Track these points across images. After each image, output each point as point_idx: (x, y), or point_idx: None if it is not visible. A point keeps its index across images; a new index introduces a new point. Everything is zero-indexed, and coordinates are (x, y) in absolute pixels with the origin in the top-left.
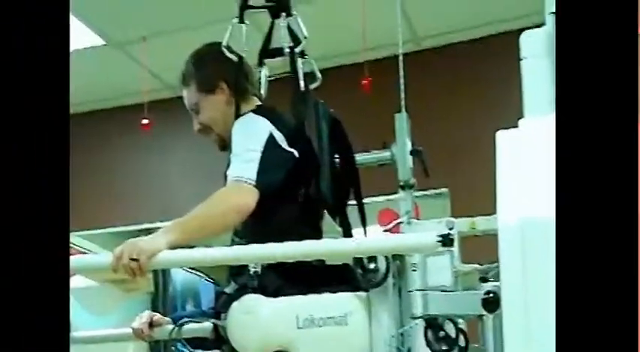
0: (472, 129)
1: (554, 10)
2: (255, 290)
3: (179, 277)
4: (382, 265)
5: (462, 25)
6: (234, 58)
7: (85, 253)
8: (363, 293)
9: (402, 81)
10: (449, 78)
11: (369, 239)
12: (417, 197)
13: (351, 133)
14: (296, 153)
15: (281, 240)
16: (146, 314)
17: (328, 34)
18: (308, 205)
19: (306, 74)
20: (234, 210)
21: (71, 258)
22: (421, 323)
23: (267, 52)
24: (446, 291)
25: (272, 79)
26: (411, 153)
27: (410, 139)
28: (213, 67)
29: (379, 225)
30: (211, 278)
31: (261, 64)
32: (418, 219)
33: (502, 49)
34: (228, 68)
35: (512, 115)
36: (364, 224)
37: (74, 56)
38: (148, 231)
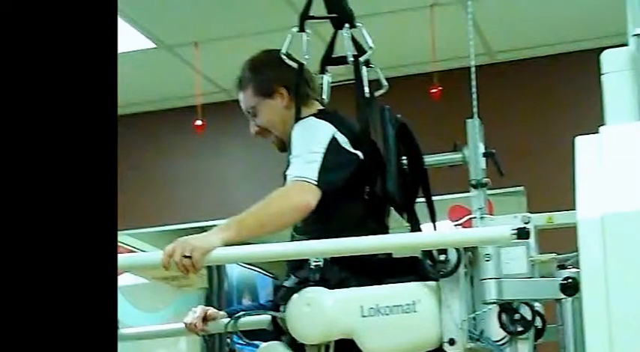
0: (547, 135)
1: (637, 33)
2: (317, 283)
3: (235, 272)
4: (453, 256)
5: (536, 42)
6: (294, 65)
7: (134, 251)
8: (432, 283)
9: (473, 89)
10: (523, 89)
11: (443, 232)
12: (490, 195)
13: (421, 138)
14: (360, 155)
15: (344, 236)
16: (199, 309)
17: (398, 46)
18: (373, 202)
19: (371, 81)
20: (294, 209)
21: (121, 256)
22: (494, 307)
23: (330, 60)
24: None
25: (337, 85)
26: (484, 155)
27: (482, 143)
28: (271, 72)
29: (450, 220)
30: (270, 273)
31: (323, 71)
32: (491, 215)
33: (576, 65)
34: (288, 73)
35: (585, 123)
36: (434, 219)
37: (124, 58)
38: (200, 230)
